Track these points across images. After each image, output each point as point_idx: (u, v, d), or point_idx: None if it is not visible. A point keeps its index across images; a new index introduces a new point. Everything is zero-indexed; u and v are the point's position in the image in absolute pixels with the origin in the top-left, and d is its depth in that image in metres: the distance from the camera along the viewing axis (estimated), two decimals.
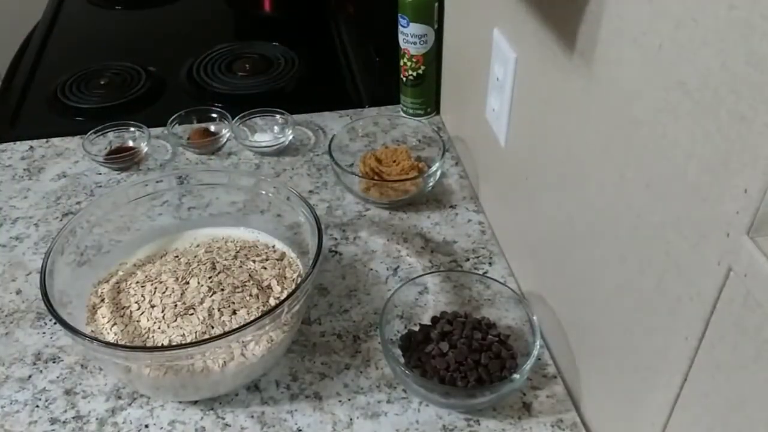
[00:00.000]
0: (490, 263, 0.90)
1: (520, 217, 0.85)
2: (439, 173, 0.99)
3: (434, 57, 1.09)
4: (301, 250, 0.81)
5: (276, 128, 1.12)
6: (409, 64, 1.09)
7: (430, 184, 0.99)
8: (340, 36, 1.44)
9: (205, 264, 0.81)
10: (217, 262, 0.82)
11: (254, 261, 0.82)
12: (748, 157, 0.41)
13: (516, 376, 0.68)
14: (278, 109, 1.12)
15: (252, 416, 0.72)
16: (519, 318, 0.76)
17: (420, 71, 1.10)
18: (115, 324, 0.74)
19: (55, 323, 0.76)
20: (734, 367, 0.46)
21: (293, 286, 0.77)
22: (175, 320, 0.74)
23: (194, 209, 0.88)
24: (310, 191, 1.02)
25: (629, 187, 0.57)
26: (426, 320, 0.78)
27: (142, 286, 0.77)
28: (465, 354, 0.72)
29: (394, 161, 1.01)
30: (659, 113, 0.50)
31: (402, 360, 0.74)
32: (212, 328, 0.74)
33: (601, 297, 0.65)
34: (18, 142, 1.13)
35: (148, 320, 0.74)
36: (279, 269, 0.81)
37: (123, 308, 0.76)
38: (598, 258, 0.64)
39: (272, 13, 1.69)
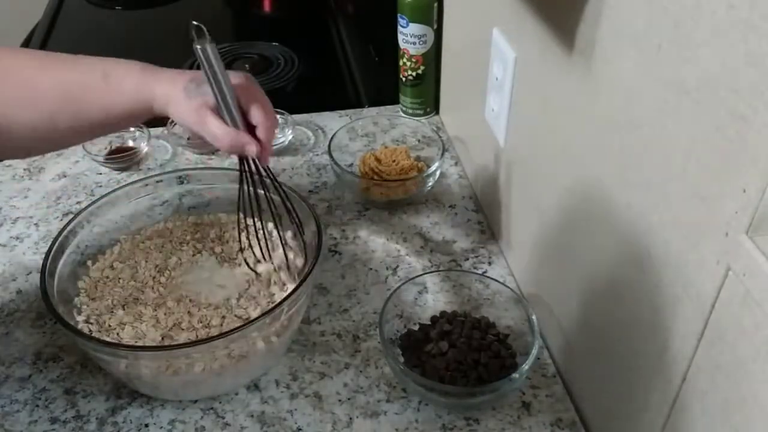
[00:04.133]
0: (489, 263, 0.90)
1: (519, 217, 0.85)
2: (438, 173, 0.99)
3: (433, 57, 1.09)
4: (301, 249, 0.81)
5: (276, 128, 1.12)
6: (408, 64, 1.10)
7: (430, 183, 0.99)
8: (340, 36, 1.44)
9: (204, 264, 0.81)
10: (217, 263, 0.82)
11: (254, 260, 0.82)
12: (747, 157, 0.41)
13: (515, 375, 0.69)
14: (278, 109, 1.12)
15: (252, 416, 0.72)
16: (518, 317, 0.76)
17: (419, 71, 1.10)
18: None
19: (55, 323, 0.76)
20: (733, 366, 0.46)
21: (293, 286, 0.77)
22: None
23: (194, 209, 0.88)
24: (310, 191, 1.02)
25: (629, 187, 0.57)
26: (425, 320, 0.78)
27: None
28: (464, 353, 0.72)
29: (394, 161, 1.01)
30: (659, 113, 0.51)
31: (402, 359, 0.74)
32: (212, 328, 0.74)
33: (600, 296, 0.65)
34: None
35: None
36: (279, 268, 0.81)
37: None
38: (598, 257, 0.64)
39: (272, 13, 1.69)
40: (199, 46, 0.62)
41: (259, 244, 0.77)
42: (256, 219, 0.76)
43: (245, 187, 0.72)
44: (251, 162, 0.71)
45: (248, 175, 0.72)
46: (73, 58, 0.68)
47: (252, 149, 0.67)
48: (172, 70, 0.69)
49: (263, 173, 0.72)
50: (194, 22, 0.62)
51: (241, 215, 0.74)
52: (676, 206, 0.50)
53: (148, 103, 0.67)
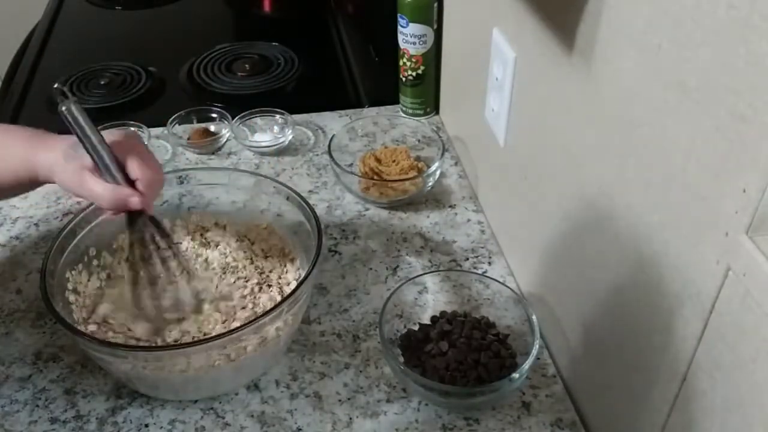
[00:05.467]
0: (489, 263, 0.90)
1: (519, 217, 0.85)
2: (438, 173, 0.99)
3: (433, 57, 1.09)
4: (301, 249, 0.81)
5: (276, 128, 1.12)
6: (408, 64, 1.10)
7: (430, 183, 0.99)
8: (340, 36, 1.44)
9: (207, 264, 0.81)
10: (219, 263, 0.82)
11: (254, 260, 0.82)
12: (747, 157, 0.42)
13: (515, 375, 0.69)
14: (278, 109, 1.12)
15: (252, 416, 0.72)
16: (518, 317, 0.76)
17: (419, 71, 1.10)
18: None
19: (55, 323, 0.76)
20: (733, 366, 0.46)
21: (293, 286, 0.77)
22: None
23: (194, 209, 0.88)
24: (310, 191, 1.02)
25: (629, 187, 0.57)
26: (425, 320, 0.78)
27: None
28: (464, 353, 0.72)
29: (394, 161, 1.01)
30: (659, 113, 0.51)
31: (402, 359, 0.74)
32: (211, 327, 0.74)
33: (600, 296, 0.65)
34: None
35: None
36: (279, 269, 0.81)
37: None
38: (598, 257, 0.64)
39: (272, 13, 1.69)
40: (63, 107, 0.61)
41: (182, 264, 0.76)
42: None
43: (150, 247, 0.72)
44: (142, 222, 0.70)
45: (145, 234, 0.71)
46: None
47: (135, 200, 0.66)
48: (58, 136, 0.69)
49: (155, 232, 0.71)
50: (56, 85, 0.62)
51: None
52: (676, 206, 0.50)
53: (34, 172, 0.67)
